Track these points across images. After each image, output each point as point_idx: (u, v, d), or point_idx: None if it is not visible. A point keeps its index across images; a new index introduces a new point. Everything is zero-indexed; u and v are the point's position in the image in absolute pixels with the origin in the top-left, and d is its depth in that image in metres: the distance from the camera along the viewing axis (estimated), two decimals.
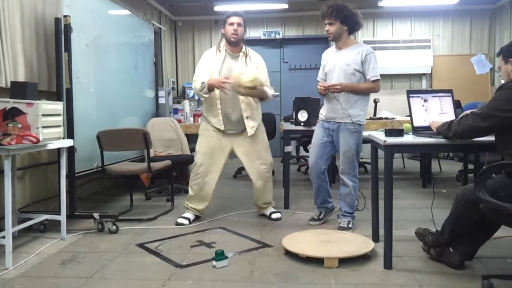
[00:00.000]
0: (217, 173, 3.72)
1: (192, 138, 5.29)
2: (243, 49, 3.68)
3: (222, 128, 3.64)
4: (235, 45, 3.63)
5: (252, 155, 3.72)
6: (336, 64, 3.40)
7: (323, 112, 3.52)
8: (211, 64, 3.62)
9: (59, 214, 3.28)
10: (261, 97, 3.63)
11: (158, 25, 6.97)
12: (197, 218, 3.76)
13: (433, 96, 3.01)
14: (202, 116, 3.82)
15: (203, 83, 3.52)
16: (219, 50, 3.66)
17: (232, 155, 3.80)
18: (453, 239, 2.58)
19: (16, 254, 2.92)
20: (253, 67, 3.60)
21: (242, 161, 3.77)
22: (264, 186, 3.76)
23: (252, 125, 3.66)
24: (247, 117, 3.64)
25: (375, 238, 3.06)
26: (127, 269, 2.72)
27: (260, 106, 3.77)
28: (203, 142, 3.71)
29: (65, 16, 3.55)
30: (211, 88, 3.52)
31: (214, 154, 3.68)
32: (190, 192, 3.75)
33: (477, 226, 2.47)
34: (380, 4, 7.30)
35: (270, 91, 3.64)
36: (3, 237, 2.74)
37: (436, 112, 2.96)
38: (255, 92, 3.48)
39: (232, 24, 3.58)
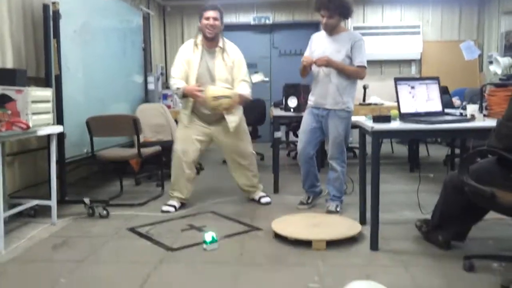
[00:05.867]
0: (195, 158, 3.71)
1: None
2: (220, 44, 3.61)
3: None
4: (212, 40, 3.57)
5: (231, 145, 3.72)
6: (327, 50, 3.40)
7: (312, 98, 3.54)
8: (188, 61, 3.57)
9: (49, 200, 3.30)
10: (235, 105, 3.53)
11: (147, 10, 6.90)
12: (182, 205, 3.74)
13: (420, 83, 3.05)
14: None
15: (178, 88, 3.52)
16: (197, 46, 3.60)
17: (212, 142, 3.79)
18: (442, 222, 2.66)
19: (8, 239, 2.93)
20: (229, 65, 3.56)
21: (220, 149, 3.78)
22: (241, 174, 3.80)
23: (232, 119, 3.60)
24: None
25: (362, 221, 3.13)
26: (119, 253, 2.76)
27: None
28: (182, 128, 3.70)
29: (53, 3, 3.52)
30: (186, 95, 3.53)
31: (193, 141, 3.65)
32: (172, 179, 3.73)
33: (465, 210, 2.53)
34: None
35: (246, 90, 3.58)
36: None
37: (423, 99, 3.01)
38: (226, 104, 3.43)
39: (207, 18, 3.51)
